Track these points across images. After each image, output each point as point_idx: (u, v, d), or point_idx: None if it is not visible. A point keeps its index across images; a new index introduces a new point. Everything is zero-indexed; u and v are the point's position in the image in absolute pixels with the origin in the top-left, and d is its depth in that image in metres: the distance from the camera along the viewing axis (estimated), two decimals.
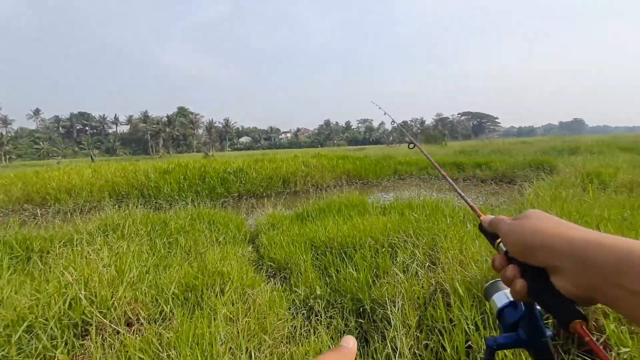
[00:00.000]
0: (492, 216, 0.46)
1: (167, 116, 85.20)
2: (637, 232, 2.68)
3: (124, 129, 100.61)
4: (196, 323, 1.94)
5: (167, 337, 1.87)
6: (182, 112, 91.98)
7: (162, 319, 2.10)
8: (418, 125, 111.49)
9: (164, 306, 2.13)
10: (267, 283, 2.97)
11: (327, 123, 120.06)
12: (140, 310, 2.05)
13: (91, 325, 1.94)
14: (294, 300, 2.73)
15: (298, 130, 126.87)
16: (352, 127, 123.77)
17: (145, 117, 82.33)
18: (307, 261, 3.28)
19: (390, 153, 19.37)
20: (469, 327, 1.90)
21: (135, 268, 2.58)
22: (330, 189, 10.18)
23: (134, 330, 1.97)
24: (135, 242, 3.46)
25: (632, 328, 1.79)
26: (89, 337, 1.92)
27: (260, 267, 3.62)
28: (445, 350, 1.87)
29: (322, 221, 4.62)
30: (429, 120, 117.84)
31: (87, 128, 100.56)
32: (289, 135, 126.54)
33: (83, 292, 2.10)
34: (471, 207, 0.61)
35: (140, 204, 6.53)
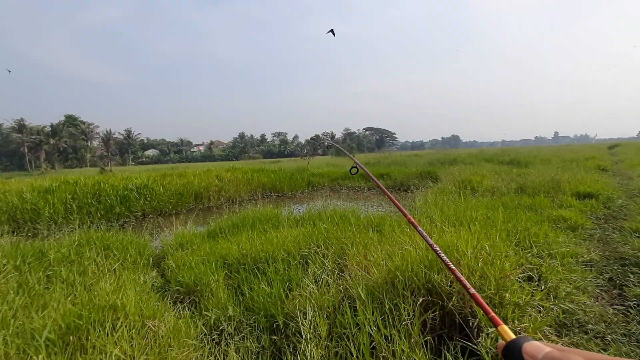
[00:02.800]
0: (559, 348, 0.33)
1: (52, 125, 71.75)
2: (496, 227, 3.29)
3: None
4: None
5: None
6: (70, 120, 78.65)
7: None
8: (329, 139, 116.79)
9: (34, 357, 1.77)
10: (173, 310, 2.73)
11: (242, 136, 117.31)
12: None
13: None
14: (203, 325, 2.56)
15: (212, 142, 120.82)
16: (267, 140, 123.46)
17: (20, 126, 67.75)
18: (218, 281, 3.13)
19: (304, 165, 19.92)
20: (372, 329, 2.05)
21: None
22: (245, 202, 9.95)
23: None
24: None
25: (497, 310, 2.17)
26: None
27: (165, 293, 3.30)
28: (352, 354, 1.97)
29: (236, 237, 4.48)
30: (338, 134, 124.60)
31: None
32: (202, 148, 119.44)
33: None
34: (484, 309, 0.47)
35: (10, 231, 5.39)
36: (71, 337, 2.00)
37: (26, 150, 66.29)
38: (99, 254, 4.04)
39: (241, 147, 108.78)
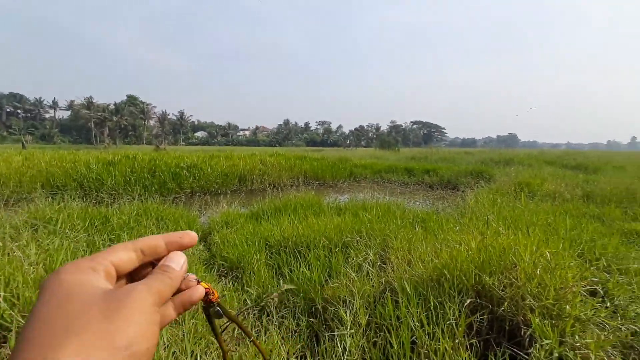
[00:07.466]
0: None
1: (115, 104, 78.46)
2: (558, 235, 3.02)
3: (64, 115, 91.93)
4: None
5: None
6: (132, 100, 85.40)
7: None
8: (374, 131, 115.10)
9: None
10: (218, 282, 2.87)
11: (287, 123, 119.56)
12: None
13: (11, 331, 1.74)
14: (245, 300, 2.67)
15: (257, 128, 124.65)
16: (311, 128, 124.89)
17: (89, 104, 74.59)
18: (260, 260, 3.22)
19: (347, 156, 19.81)
20: (414, 324, 1.99)
21: None
22: (287, 188, 10.13)
23: None
24: (70, 239, 3.15)
25: (554, 322, 2.01)
26: (7, 344, 1.71)
27: (211, 266, 3.49)
28: (392, 346, 1.94)
29: (278, 220, 4.58)
30: (383, 127, 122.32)
31: (18, 111, 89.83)
32: (247, 132, 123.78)
33: (2, 293, 1.87)
34: None
35: (79, 197, 5.99)
36: None
37: (92, 126, 73.15)
38: (155, 223, 4.36)
39: (285, 134, 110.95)
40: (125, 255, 0.34)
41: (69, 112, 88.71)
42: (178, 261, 0.36)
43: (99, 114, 73.78)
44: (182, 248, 0.38)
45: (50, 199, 4.85)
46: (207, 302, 0.42)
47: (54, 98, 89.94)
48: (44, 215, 3.93)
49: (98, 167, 9.51)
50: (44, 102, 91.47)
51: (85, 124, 76.87)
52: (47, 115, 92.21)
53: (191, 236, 0.39)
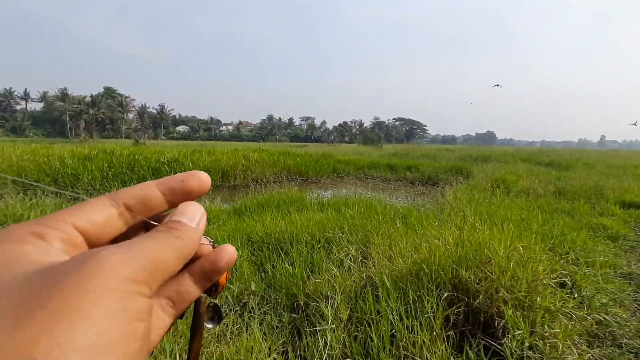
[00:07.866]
0: None
1: (91, 96, 75.46)
2: (531, 229, 3.16)
3: (37, 106, 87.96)
4: None
5: None
6: (109, 92, 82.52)
7: None
8: (357, 127, 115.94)
9: None
10: None
11: (270, 118, 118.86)
12: None
13: None
14: (226, 297, 2.65)
15: (240, 123, 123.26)
16: (295, 124, 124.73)
17: (63, 95, 71.30)
18: (242, 256, 3.21)
19: (331, 151, 19.88)
20: (394, 318, 2.04)
21: None
22: (270, 184, 10.06)
23: None
24: None
25: (525, 313, 2.10)
26: None
27: None
28: (372, 340, 1.98)
29: (260, 216, 4.56)
30: (367, 123, 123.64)
31: None
32: (230, 127, 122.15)
33: None
34: None
35: (53, 194, 5.76)
36: None
37: (67, 119, 70.24)
38: None
39: (268, 129, 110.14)
40: (101, 214, 0.22)
41: (41, 104, 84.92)
42: (192, 215, 0.24)
43: (74, 106, 70.79)
44: (189, 197, 0.25)
45: (21, 195, 4.64)
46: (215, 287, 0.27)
47: (25, 89, 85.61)
48: (14, 212, 3.77)
49: (73, 161, 9.15)
50: (15, 93, 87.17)
51: (60, 117, 73.72)
52: (18, 107, 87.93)
53: (199, 177, 0.25)
